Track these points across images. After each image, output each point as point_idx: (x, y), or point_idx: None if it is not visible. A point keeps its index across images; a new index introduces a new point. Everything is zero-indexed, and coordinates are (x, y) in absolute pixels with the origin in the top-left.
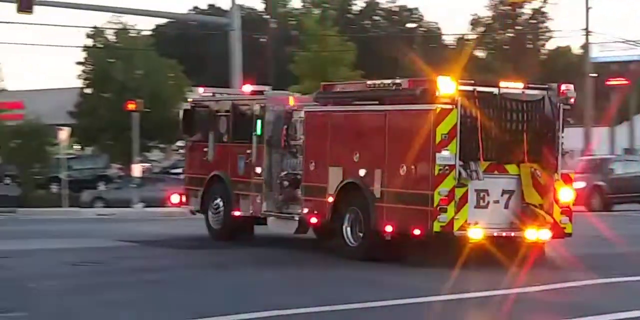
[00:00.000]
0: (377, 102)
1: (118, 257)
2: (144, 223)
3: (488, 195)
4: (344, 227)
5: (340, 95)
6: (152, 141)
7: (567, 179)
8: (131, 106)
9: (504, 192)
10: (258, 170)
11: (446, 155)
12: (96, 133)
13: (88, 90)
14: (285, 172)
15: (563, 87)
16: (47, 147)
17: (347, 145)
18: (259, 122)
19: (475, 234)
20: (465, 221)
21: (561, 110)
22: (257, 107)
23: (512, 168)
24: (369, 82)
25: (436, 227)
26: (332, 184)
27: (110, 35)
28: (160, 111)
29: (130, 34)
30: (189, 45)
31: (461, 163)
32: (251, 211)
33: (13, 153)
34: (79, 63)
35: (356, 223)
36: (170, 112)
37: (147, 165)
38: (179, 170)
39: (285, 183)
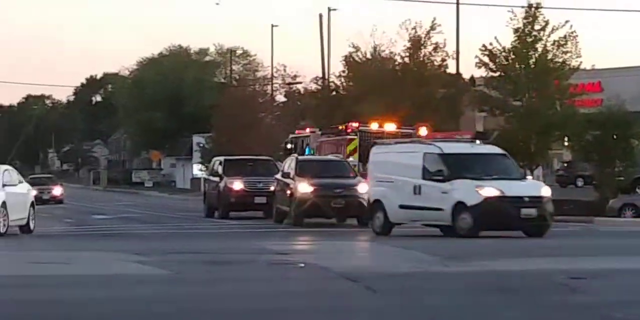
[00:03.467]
0: (335, 135)
1: None
2: None
3: None
4: None
5: (327, 131)
6: None
7: None
8: None
9: None
10: None
11: (352, 159)
12: None
13: None
14: None
15: (421, 128)
16: (632, 140)
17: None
18: (308, 147)
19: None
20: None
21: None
22: (307, 139)
23: None
24: (338, 126)
25: None
26: None
27: None
28: None
29: None
30: None
31: (361, 164)
32: None
33: (588, 148)
34: None
35: None
36: None
37: None
38: None
39: None
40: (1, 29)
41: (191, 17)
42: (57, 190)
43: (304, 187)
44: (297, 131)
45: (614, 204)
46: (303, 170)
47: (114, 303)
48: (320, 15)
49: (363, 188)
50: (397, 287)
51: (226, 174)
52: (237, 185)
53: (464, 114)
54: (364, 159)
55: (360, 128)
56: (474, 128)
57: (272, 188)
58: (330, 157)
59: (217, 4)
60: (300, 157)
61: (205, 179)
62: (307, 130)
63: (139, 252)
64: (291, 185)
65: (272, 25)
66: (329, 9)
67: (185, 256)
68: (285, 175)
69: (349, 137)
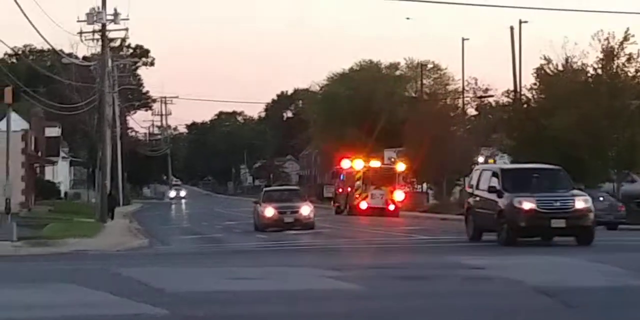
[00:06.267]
0: (351, 169)
1: None
2: None
3: (376, 195)
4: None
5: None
6: None
7: (398, 190)
8: None
9: (381, 195)
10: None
11: (358, 183)
12: None
13: None
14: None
15: (398, 164)
16: None
17: (351, 181)
18: (342, 175)
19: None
20: (368, 203)
21: (396, 172)
22: (341, 170)
23: (384, 187)
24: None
25: (354, 205)
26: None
27: None
28: None
29: None
30: None
31: (363, 186)
32: None
33: None
34: None
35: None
36: None
37: None
38: None
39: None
40: (193, 48)
41: (382, 32)
42: (305, 210)
43: None
44: (337, 165)
45: None
46: None
47: (309, 318)
48: (512, 28)
49: None
50: (596, 302)
51: (506, 189)
52: (527, 204)
53: None
54: (367, 182)
55: (366, 164)
56: None
57: (578, 206)
58: None
59: (408, 18)
60: None
61: (469, 194)
62: (341, 164)
63: (334, 267)
64: None
65: (463, 39)
66: (520, 22)
67: (380, 271)
68: None
69: (357, 170)
